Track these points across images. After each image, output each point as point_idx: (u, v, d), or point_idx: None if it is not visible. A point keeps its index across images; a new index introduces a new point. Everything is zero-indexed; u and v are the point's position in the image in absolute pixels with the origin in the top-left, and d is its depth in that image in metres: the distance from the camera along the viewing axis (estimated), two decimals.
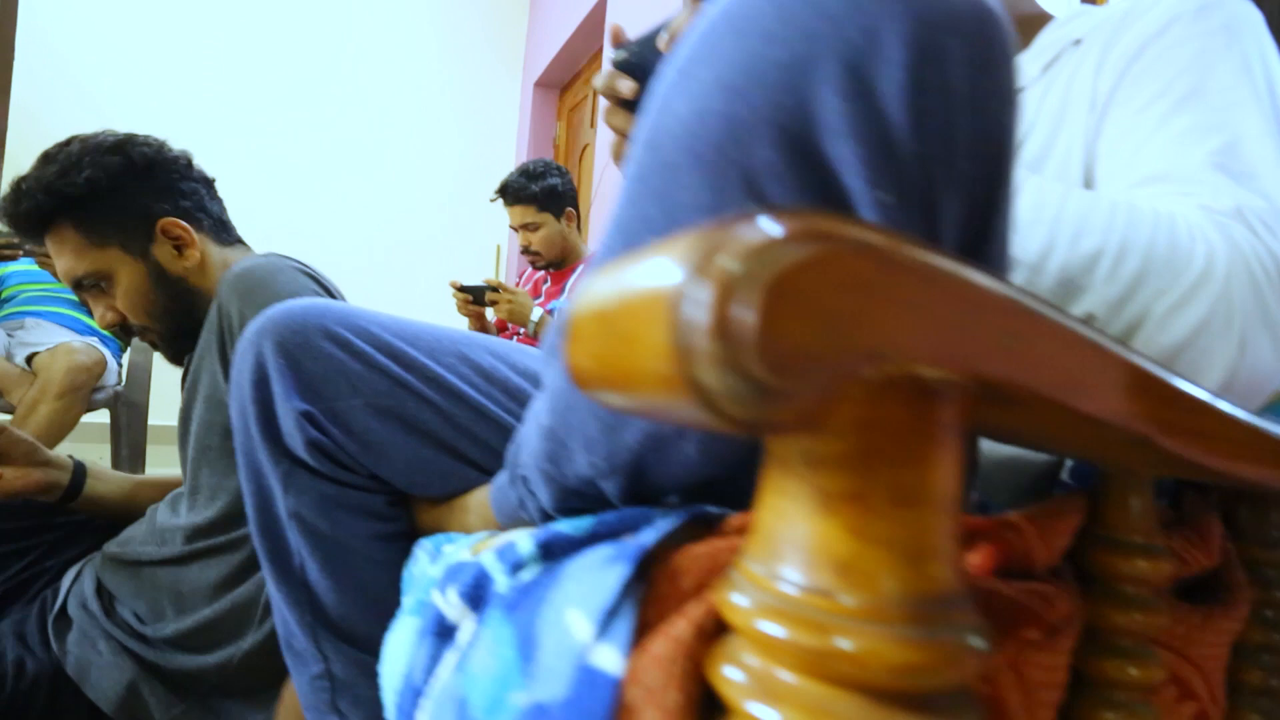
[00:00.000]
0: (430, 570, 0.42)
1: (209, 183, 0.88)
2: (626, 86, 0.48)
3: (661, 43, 0.47)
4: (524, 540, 0.35)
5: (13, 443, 0.76)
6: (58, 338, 1.92)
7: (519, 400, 0.57)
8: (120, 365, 2.10)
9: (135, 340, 2.07)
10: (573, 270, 1.64)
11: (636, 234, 0.26)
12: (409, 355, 0.54)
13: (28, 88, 3.01)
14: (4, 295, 2.13)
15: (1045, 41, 0.54)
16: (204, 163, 2.69)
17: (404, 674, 0.36)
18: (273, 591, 0.53)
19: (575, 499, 0.37)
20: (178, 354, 0.87)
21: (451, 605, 0.35)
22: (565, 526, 0.36)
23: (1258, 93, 0.43)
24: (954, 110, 0.21)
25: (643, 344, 0.16)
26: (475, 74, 3.79)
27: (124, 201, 0.77)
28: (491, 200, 1.67)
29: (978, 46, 0.21)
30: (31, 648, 0.70)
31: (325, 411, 0.51)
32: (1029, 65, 0.54)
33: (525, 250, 1.62)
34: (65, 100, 3.06)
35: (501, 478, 0.47)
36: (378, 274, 3.54)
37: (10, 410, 1.76)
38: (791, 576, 0.20)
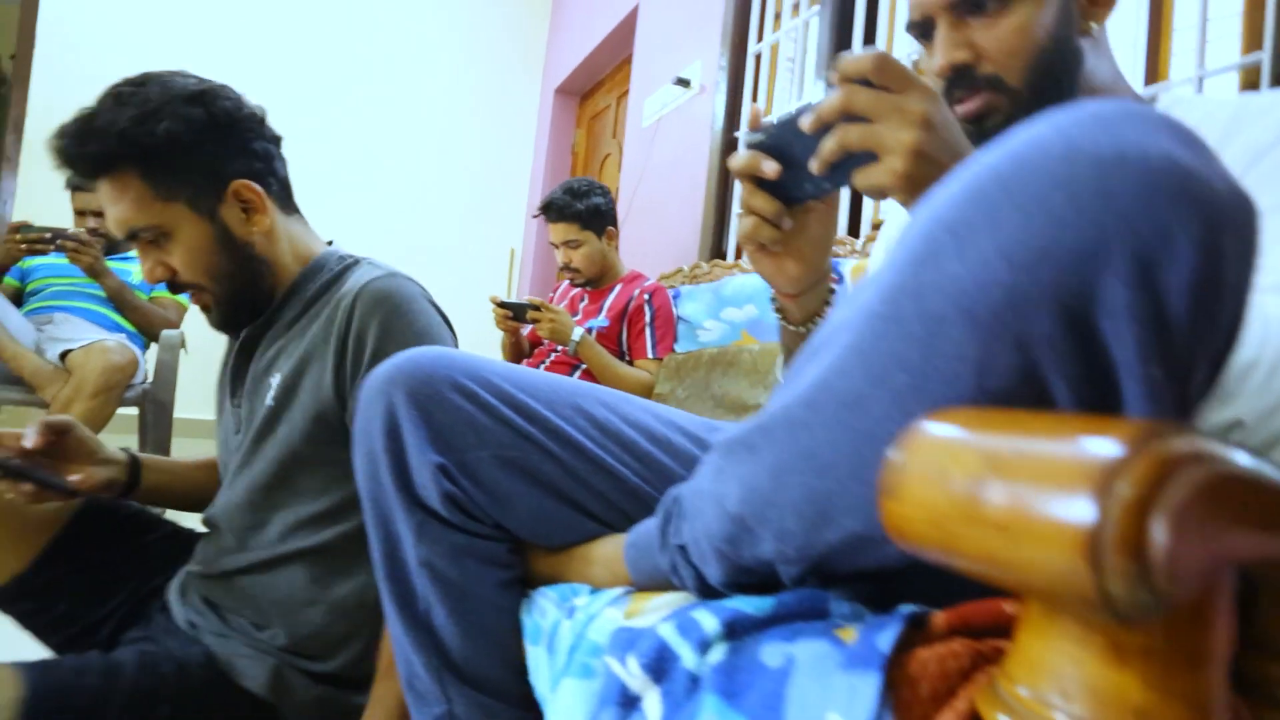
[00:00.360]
0: (589, 632, 0.44)
1: (278, 141, 0.81)
2: (770, 168, 0.50)
3: (805, 126, 0.48)
4: (706, 618, 0.38)
5: (79, 441, 0.76)
6: (87, 334, 1.92)
7: (631, 452, 0.59)
8: (144, 362, 2.10)
9: (162, 339, 2.08)
10: (610, 289, 1.66)
11: (886, 370, 0.28)
12: (530, 407, 0.56)
13: (46, 80, 3.00)
14: (30, 288, 2.13)
15: None
16: None
17: None
18: (398, 634, 0.55)
19: (745, 576, 0.40)
20: (231, 322, 0.80)
21: (634, 676, 0.37)
22: (744, 605, 0.38)
23: None
24: (1223, 297, 0.23)
25: (1028, 541, 0.18)
26: (495, 78, 3.80)
27: (199, 158, 0.72)
28: (534, 216, 1.69)
29: (1244, 240, 0.24)
30: (182, 644, 0.71)
31: (456, 463, 0.53)
32: None
33: (565, 267, 1.64)
34: (84, 95, 3.06)
35: (639, 538, 0.50)
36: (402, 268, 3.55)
37: (42, 405, 1.76)
38: (1071, 710, 0.22)
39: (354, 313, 0.71)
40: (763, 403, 1.22)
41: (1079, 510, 0.17)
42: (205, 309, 0.78)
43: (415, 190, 3.64)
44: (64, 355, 1.80)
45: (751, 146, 0.52)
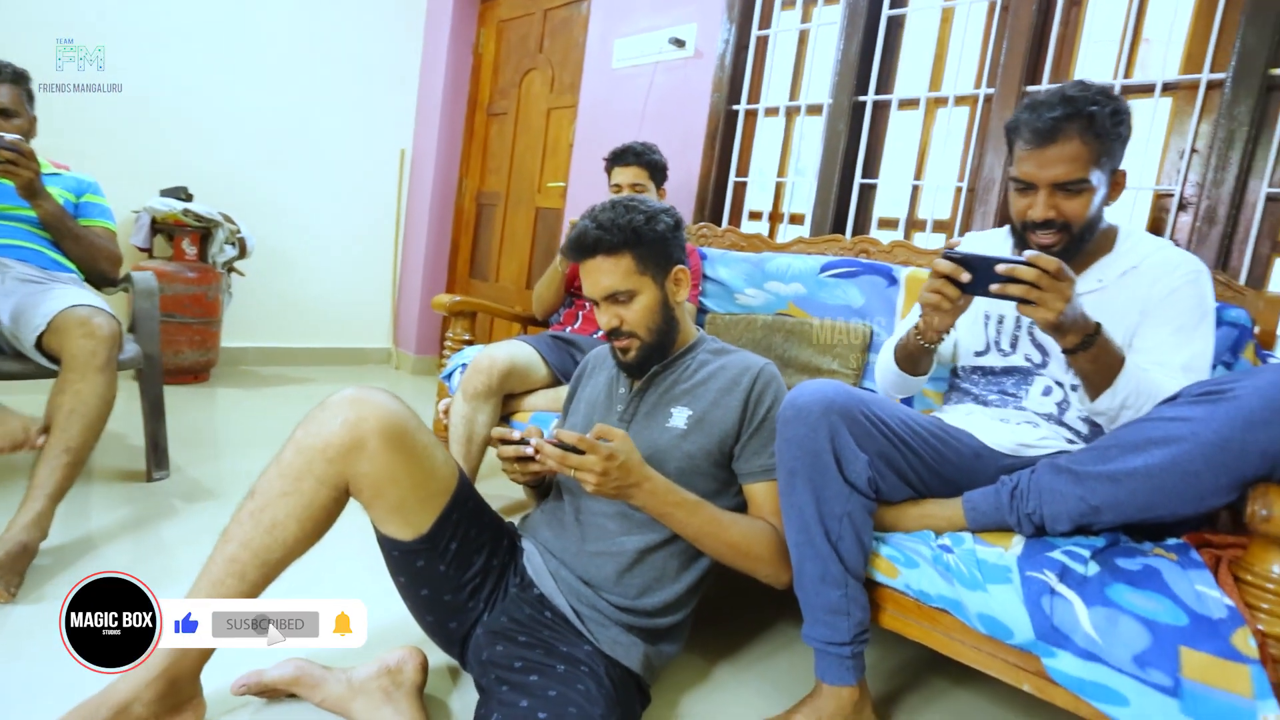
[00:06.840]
0: (980, 557, 0.85)
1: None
2: (967, 277, 0.87)
3: (1000, 269, 0.83)
4: (1080, 549, 0.81)
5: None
6: (43, 300, 1.50)
7: (929, 445, 0.98)
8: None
9: (138, 286, 1.85)
10: None
11: (1213, 464, 0.71)
12: (890, 425, 0.94)
13: None
14: None
15: (1121, 251, 1.04)
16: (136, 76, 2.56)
17: (1029, 609, 0.80)
18: (823, 552, 0.91)
19: (1076, 530, 0.84)
20: (644, 366, 1.04)
21: (1050, 578, 0.80)
22: (1096, 541, 0.82)
23: (1209, 328, 0.98)
24: None
25: None
26: None
27: (667, 248, 1.01)
28: (605, 158, 1.84)
29: None
30: (586, 649, 0.91)
31: (868, 459, 0.90)
32: (1112, 268, 1.03)
33: None
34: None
35: (980, 501, 0.92)
36: (284, 172, 3.26)
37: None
38: (1273, 579, 0.70)
39: (757, 381, 1.01)
40: (833, 368, 1.61)
41: None
42: (625, 352, 1.01)
43: (295, 87, 3.26)
44: (40, 341, 1.45)
45: (951, 259, 0.88)
